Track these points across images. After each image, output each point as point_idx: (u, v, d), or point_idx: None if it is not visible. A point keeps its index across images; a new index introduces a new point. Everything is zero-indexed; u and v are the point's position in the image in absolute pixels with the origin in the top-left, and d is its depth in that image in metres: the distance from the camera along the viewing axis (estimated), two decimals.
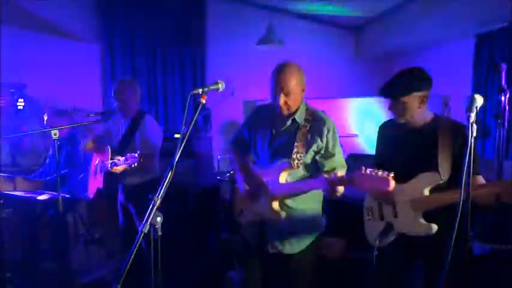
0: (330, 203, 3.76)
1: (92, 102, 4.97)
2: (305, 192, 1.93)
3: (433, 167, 1.85)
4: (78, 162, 3.24)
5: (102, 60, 5.14)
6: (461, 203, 1.42)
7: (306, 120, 1.99)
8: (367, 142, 4.79)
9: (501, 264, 2.45)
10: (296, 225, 2.01)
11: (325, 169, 1.96)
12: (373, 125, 4.59)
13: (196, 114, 1.55)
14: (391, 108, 1.97)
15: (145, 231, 1.35)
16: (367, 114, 5.09)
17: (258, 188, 1.99)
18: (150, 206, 1.38)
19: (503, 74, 2.07)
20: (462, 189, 1.41)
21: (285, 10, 5.63)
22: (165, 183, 1.42)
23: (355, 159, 3.86)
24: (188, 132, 1.50)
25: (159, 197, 1.40)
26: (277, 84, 1.92)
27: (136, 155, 2.42)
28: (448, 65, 4.66)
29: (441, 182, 1.83)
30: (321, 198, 2.11)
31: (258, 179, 2.01)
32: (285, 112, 1.97)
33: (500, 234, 2.50)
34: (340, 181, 1.71)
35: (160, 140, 2.85)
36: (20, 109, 4.57)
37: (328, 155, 1.96)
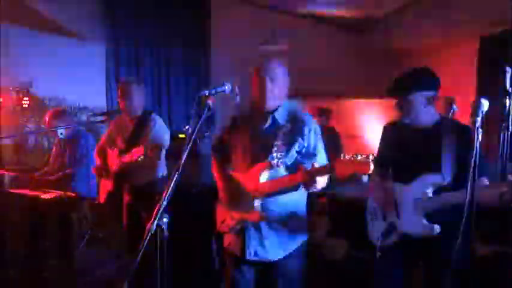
0: (333, 204, 3.78)
1: (96, 101, 5.00)
2: (286, 188, 1.84)
3: (437, 168, 1.85)
4: (82, 161, 3.26)
5: (107, 60, 5.16)
6: (466, 204, 1.42)
7: (287, 120, 1.92)
8: (370, 143, 4.81)
9: (504, 266, 2.45)
10: (276, 230, 1.90)
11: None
12: (376, 126, 4.60)
13: (203, 117, 1.55)
14: (397, 106, 1.97)
15: (152, 231, 1.36)
16: (370, 115, 5.11)
17: (238, 192, 1.91)
18: (157, 207, 1.39)
19: (508, 77, 2.07)
20: (468, 191, 1.41)
21: (289, 12, 5.64)
22: (172, 185, 1.43)
23: None
24: (194, 135, 1.52)
25: (166, 198, 1.41)
26: (263, 71, 1.88)
27: (142, 148, 2.42)
28: (452, 67, 4.66)
29: (444, 183, 1.84)
30: (304, 203, 2.00)
31: (237, 182, 1.93)
32: (269, 103, 1.89)
33: (504, 236, 2.50)
34: (319, 171, 1.67)
35: (168, 139, 2.86)
36: (25, 107, 4.60)
37: (310, 155, 1.90)
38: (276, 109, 1.92)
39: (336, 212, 3.68)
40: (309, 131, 1.90)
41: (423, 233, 1.86)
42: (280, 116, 1.92)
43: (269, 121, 1.93)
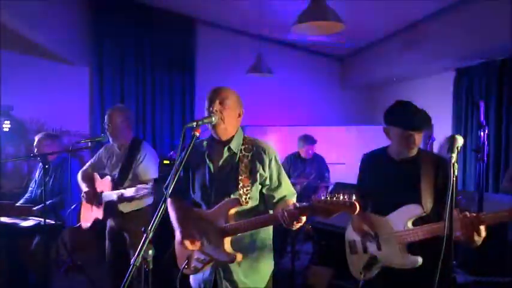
0: (318, 231, 3.78)
1: (79, 125, 4.96)
2: (262, 226, 1.80)
3: (416, 200, 1.89)
4: (68, 188, 3.20)
5: (91, 83, 5.15)
6: (445, 236, 1.46)
7: (244, 149, 1.85)
8: (351, 171, 4.84)
9: None
10: (245, 266, 1.85)
11: (275, 200, 1.86)
12: (356, 154, 4.64)
13: (190, 148, 1.56)
14: (404, 140, 1.94)
15: (137, 264, 1.34)
16: (351, 142, 5.20)
17: (206, 231, 1.81)
18: (142, 239, 1.38)
19: (482, 110, 2.19)
20: (446, 223, 1.46)
21: (274, 40, 5.79)
22: (158, 216, 1.43)
23: (341, 188, 3.90)
24: (181, 167, 1.54)
25: (152, 229, 1.40)
26: (213, 95, 1.81)
27: (148, 185, 2.43)
28: (429, 96, 4.83)
29: (424, 214, 1.87)
30: (269, 231, 1.95)
31: (204, 222, 1.82)
32: (220, 130, 1.80)
33: (484, 266, 2.55)
34: (300, 212, 1.57)
35: (156, 170, 2.86)
36: (5, 131, 4.51)
37: (275, 185, 1.86)
38: (231, 139, 1.86)
39: (321, 240, 3.69)
40: (270, 159, 1.84)
41: (404, 264, 1.87)
42: (235, 145, 1.85)
43: (226, 153, 1.86)
